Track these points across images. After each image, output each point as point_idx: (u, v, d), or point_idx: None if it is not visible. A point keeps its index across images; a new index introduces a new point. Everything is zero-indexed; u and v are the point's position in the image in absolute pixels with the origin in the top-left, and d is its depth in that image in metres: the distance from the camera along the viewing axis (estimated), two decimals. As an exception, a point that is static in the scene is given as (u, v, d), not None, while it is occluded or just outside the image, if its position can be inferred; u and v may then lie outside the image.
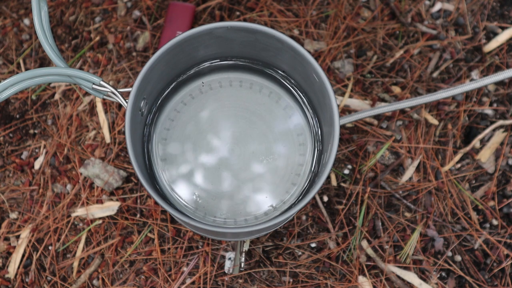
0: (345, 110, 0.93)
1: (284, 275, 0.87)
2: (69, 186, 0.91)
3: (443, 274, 0.88)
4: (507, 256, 0.88)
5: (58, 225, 0.90)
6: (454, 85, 0.95)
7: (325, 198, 0.90)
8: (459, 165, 0.92)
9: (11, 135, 0.95)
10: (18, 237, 0.90)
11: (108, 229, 0.89)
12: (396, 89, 0.95)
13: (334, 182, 0.91)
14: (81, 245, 0.89)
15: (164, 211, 0.89)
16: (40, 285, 0.88)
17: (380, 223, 0.89)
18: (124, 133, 0.93)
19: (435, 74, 0.96)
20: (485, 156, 0.92)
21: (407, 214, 0.90)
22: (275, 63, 0.68)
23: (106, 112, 0.94)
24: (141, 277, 0.88)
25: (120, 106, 0.95)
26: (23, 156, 0.93)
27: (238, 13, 0.98)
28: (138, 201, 0.90)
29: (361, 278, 0.87)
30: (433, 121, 0.93)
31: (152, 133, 0.68)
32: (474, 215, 0.90)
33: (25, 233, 0.90)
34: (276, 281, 0.87)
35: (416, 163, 0.91)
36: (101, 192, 0.90)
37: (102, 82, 0.60)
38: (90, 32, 0.98)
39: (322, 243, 0.89)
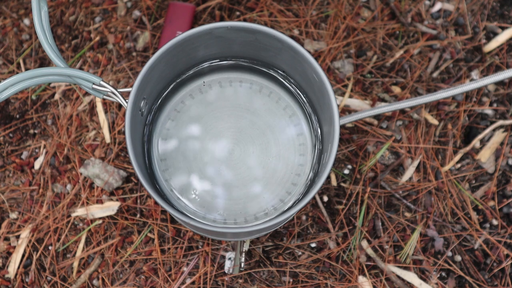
0: (345, 110, 0.93)
1: (284, 275, 0.87)
2: (69, 186, 0.91)
3: (443, 274, 0.88)
4: (507, 256, 0.88)
5: (58, 225, 0.90)
6: (454, 85, 0.95)
7: (325, 198, 0.90)
8: (459, 165, 0.92)
9: (11, 135, 0.95)
10: (18, 237, 0.90)
11: (108, 229, 0.89)
12: (396, 89, 0.95)
13: (334, 182, 0.91)
14: (81, 245, 0.89)
15: (164, 211, 0.89)
16: (40, 285, 0.88)
17: (380, 223, 0.89)
18: (124, 133, 0.93)
19: (435, 74, 0.96)
20: (485, 156, 0.92)
21: (407, 214, 0.90)
22: (275, 63, 0.68)
23: (106, 112, 0.94)
24: (141, 277, 0.88)
25: (120, 106, 0.95)
26: (23, 156, 0.93)
27: (238, 13, 0.98)
28: (138, 201, 0.90)
29: (361, 278, 0.87)
30: (433, 121, 0.93)
31: (152, 133, 0.68)
32: (474, 215, 0.90)
33: (25, 233, 0.90)
34: (276, 281, 0.87)
35: (416, 163, 0.91)
36: (101, 192, 0.90)
37: (102, 82, 0.60)
38: (90, 32, 0.98)
39: (322, 243, 0.89)
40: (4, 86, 0.59)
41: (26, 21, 1.00)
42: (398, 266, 0.88)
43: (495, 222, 0.90)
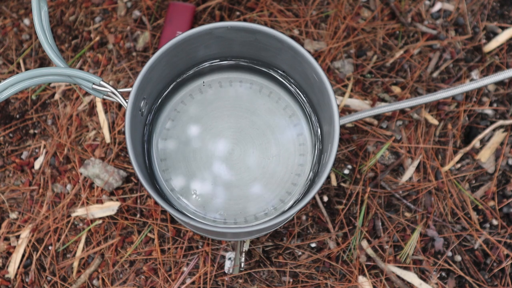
0: (345, 110, 0.93)
1: (284, 275, 0.87)
2: (69, 186, 0.91)
3: (443, 274, 0.88)
4: (507, 256, 0.88)
5: (58, 225, 0.90)
6: (454, 85, 0.95)
7: (325, 198, 0.90)
8: (459, 165, 0.92)
9: (11, 135, 0.95)
10: (18, 237, 0.90)
11: (108, 229, 0.90)
12: (396, 89, 0.95)
13: (334, 182, 0.91)
14: (81, 245, 0.89)
15: (164, 211, 0.89)
16: (40, 285, 0.88)
17: (380, 223, 0.89)
18: (124, 133, 0.93)
19: (435, 74, 0.96)
20: (485, 156, 0.92)
21: (407, 214, 0.90)
22: (275, 63, 0.68)
23: (106, 112, 0.94)
24: (141, 277, 0.88)
25: (120, 106, 0.95)
26: (23, 156, 0.93)
27: (238, 13, 0.98)
28: (138, 201, 0.90)
29: (361, 278, 0.87)
30: (433, 121, 0.93)
31: (152, 133, 0.68)
32: (474, 215, 0.90)
33: (25, 233, 0.90)
34: (276, 281, 0.87)
35: (416, 163, 0.91)
36: (101, 192, 0.90)
37: (102, 82, 0.60)
38: (90, 32, 0.98)
39: (322, 243, 0.89)
40: (4, 86, 0.59)
41: (26, 21, 1.00)
42: (398, 266, 0.88)
43: (495, 222, 0.90)
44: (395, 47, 0.96)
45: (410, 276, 0.87)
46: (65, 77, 0.61)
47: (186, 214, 0.67)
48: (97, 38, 0.98)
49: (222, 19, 0.98)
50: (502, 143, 0.93)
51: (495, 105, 0.95)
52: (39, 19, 0.61)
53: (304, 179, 0.68)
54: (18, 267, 0.89)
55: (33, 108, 0.95)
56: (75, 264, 0.88)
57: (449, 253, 0.88)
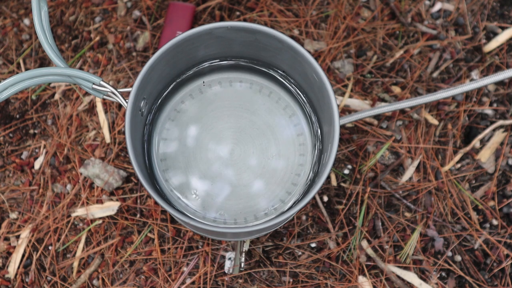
0: (345, 110, 0.93)
1: (284, 275, 0.87)
2: (69, 186, 0.91)
3: (443, 274, 0.88)
4: (507, 256, 0.88)
5: (58, 225, 0.90)
6: (454, 85, 0.95)
7: (325, 198, 0.90)
8: (459, 165, 0.92)
9: (11, 135, 0.95)
10: (18, 237, 0.90)
11: (108, 229, 0.89)
12: (396, 89, 0.95)
13: (334, 182, 0.91)
14: (81, 245, 0.89)
15: (164, 211, 0.89)
16: (40, 285, 0.88)
17: (380, 223, 0.89)
18: (124, 133, 0.93)
19: (435, 74, 0.96)
20: (485, 156, 0.92)
21: (407, 214, 0.90)
22: (275, 63, 0.68)
23: (106, 112, 0.94)
24: (141, 277, 0.88)
25: (120, 106, 0.95)
26: (23, 156, 0.93)
27: (238, 13, 0.98)
28: (138, 201, 0.90)
29: (361, 278, 0.87)
30: (433, 121, 0.93)
31: (152, 133, 0.68)
32: (474, 215, 0.90)
33: (25, 233, 0.90)
34: (276, 281, 0.87)
35: (416, 163, 0.91)
36: (101, 192, 0.90)
37: (102, 82, 0.60)
38: (90, 32, 0.98)
39: (322, 243, 0.89)
40: (4, 86, 0.59)
41: (26, 21, 1.00)
42: (398, 266, 0.88)
43: (495, 222, 0.90)
44: (395, 47, 0.97)
45: (410, 276, 0.87)
46: (65, 77, 0.61)
47: (186, 214, 0.67)
48: (97, 38, 0.98)
49: (222, 19, 0.98)
50: (502, 143, 0.93)
51: (495, 105, 0.95)
52: (39, 19, 0.61)
53: (304, 179, 0.68)
54: (18, 267, 0.89)
55: (33, 108, 0.95)
56: (75, 264, 0.88)
57: (449, 253, 0.88)
